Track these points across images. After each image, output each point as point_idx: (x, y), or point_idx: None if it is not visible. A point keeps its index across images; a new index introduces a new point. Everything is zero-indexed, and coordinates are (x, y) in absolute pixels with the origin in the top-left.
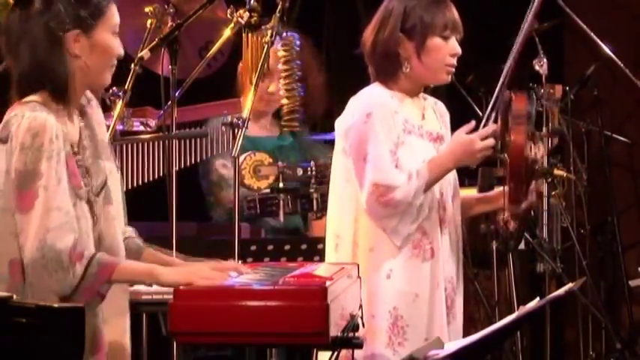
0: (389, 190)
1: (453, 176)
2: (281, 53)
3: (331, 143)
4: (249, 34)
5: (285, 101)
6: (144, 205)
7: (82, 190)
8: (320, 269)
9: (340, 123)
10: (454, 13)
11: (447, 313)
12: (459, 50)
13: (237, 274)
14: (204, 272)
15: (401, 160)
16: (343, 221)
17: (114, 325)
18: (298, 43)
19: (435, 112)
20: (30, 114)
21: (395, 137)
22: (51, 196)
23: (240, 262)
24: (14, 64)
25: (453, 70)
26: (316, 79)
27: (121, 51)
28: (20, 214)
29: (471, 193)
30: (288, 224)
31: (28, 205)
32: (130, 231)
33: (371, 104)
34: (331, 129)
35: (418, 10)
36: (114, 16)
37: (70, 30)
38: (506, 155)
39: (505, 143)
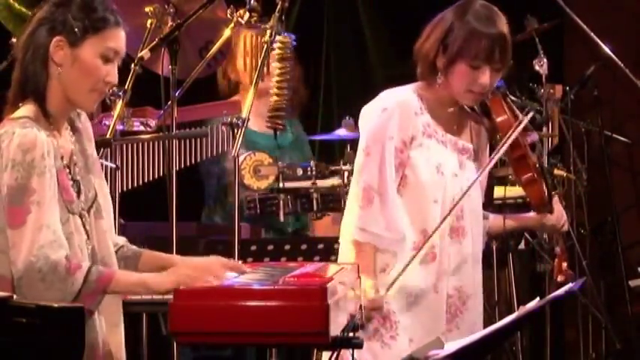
0: (370, 211)
1: (475, 190)
2: (276, 52)
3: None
4: (248, 34)
5: (274, 98)
6: (144, 205)
7: (74, 204)
8: (320, 269)
9: (362, 112)
10: (497, 43)
11: (449, 320)
12: (485, 82)
13: (238, 274)
14: (190, 274)
15: (413, 160)
16: (346, 218)
17: (109, 338)
18: (294, 43)
19: (472, 129)
20: (20, 131)
21: (408, 136)
22: (43, 212)
23: (240, 262)
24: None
25: (478, 97)
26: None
27: (109, 78)
28: (12, 230)
29: None
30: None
31: (19, 220)
32: (123, 240)
33: (391, 100)
34: (329, 129)
35: (460, 31)
36: (112, 40)
37: (56, 35)
38: (499, 136)
39: (494, 128)
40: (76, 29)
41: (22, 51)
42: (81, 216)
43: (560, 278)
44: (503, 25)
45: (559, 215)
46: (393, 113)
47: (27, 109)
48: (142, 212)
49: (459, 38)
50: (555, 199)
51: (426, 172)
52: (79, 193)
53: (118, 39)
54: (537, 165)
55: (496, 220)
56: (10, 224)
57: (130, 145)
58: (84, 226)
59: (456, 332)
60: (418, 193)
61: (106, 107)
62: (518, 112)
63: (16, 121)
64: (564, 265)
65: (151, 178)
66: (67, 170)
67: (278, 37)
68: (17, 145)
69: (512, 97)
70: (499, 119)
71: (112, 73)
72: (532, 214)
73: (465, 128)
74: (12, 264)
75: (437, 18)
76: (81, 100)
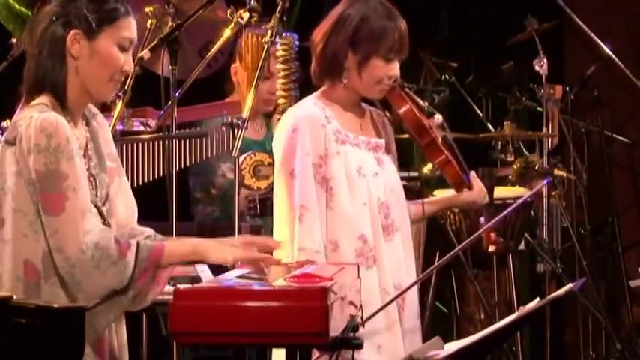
0: (304, 229)
1: (396, 182)
2: (279, 53)
3: None
4: (249, 34)
5: (281, 100)
6: (144, 205)
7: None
8: (320, 269)
9: (274, 137)
10: (404, 35)
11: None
12: (396, 74)
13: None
14: (245, 253)
15: (334, 171)
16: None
17: (113, 332)
18: (297, 43)
19: (377, 123)
20: (38, 115)
21: (322, 150)
22: (81, 197)
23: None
24: (27, 62)
25: (386, 88)
26: None
27: (126, 67)
28: (50, 217)
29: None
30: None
31: (58, 207)
32: (149, 231)
33: (298, 119)
34: None
35: (369, 26)
36: (126, 29)
37: (72, 29)
38: (407, 127)
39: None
40: (92, 22)
41: (38, 47)
42: (97, 206)
43: (491, 248)
44: (401, 18)
45: (478, 190)
46: (303, 131)
47: (43, 99)
48: (142, 212)
49: (372, 36)
50: (472, 174)
51: (349, 178)
52: (95, 187)
53: (132, 28)
54: (447, 143)
55: (416, 207)
56: (47, 211)
57: (130, 145)
58: (102, 217)
59: (402, 329)
60: (348, 200)
61: (106, 107)
62: (417, 98)
63: (34, 107)
64: (492, 235)
65: (150, 178)
66: (84, 160)
67: (280, 39)
68: (40, 130)
69: (407, 86)
70: (402, 110)
71: (128, 61)
72: (451, 192)
73: (370, 125)
74: (57, 251)
75: (332, 21)
76: (99, 90)
